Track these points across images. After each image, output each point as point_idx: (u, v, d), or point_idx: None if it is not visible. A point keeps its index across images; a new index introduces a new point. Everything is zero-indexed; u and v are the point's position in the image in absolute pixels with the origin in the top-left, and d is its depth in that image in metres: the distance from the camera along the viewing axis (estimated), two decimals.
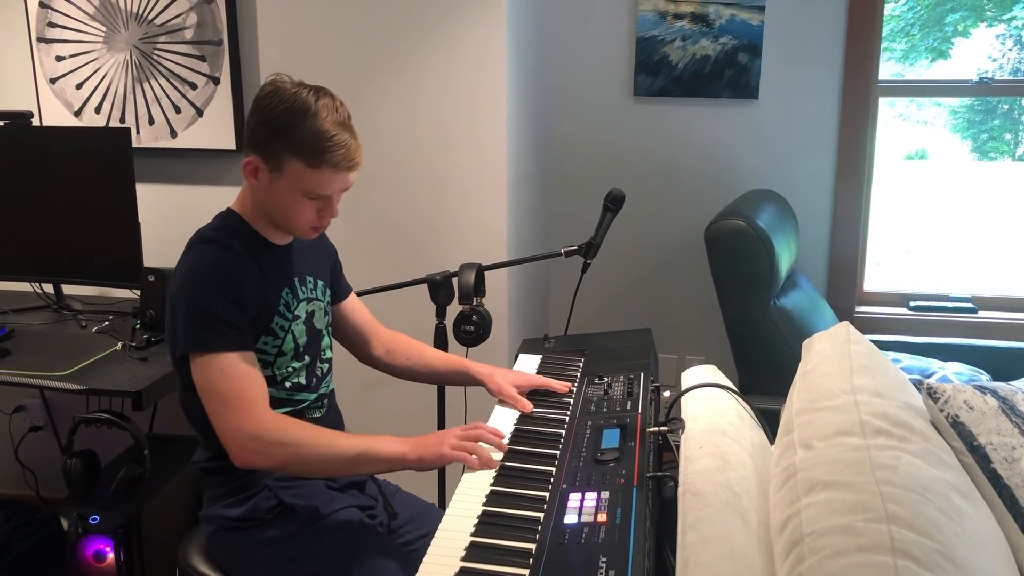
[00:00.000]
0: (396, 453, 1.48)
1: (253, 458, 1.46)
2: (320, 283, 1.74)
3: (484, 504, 1.33)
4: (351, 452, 1.47)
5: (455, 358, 1.91)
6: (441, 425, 2.20)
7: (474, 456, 1.48)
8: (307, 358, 1.67)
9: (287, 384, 1.64)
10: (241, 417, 1.46)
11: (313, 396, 1.69)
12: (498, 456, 1.49)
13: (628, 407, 1.58)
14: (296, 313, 1.64)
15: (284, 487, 1.61)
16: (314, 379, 1.70)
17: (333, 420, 1.77)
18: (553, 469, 1.42)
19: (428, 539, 1.26)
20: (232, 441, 1.46)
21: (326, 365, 1.75)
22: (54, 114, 2.72)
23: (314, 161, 1.50)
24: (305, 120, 1.49)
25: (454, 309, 2.06)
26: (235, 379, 1.48)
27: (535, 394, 1.75)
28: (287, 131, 1.49)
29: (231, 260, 1.54)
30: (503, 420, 1.66)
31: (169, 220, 2.69)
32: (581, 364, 1.90)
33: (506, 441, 1.55)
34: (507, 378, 1.78)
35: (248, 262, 1.56)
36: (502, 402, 1.75)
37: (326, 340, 1.76)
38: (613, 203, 2.09)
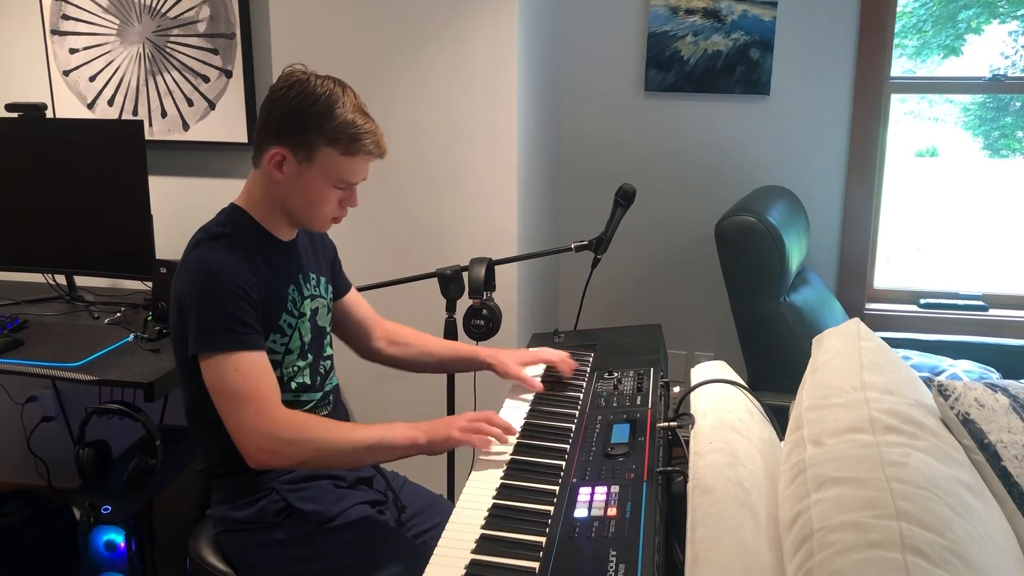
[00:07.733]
0: (409, 439, 1.49)
1: (270, 458, 1.46)
2: (323, 280, 1.74)
3: (494, 497, 1.34)
4: (366, 443, 1.48)
5: (460, 344, 1.93)
6: (451, 415, 2.20)
7: (480, 436, 1.50)
8: (311, 356, 1.67)
9: (292, 385, 1.63)
10: (257, 417, 1.44)
11: (319, 395, 1.69)
12: (503, 447, 1.50)
13: (638, 402, 1.59)
14: (302, 310, 1.64)
15: (291, 490, 1.60)
16: (318, 378, 1.69)
17: (340, 416, 1.76)
18: (563, 463, 1.42)
19: (437, 531, 1.27)
20: (248, 442, 1.45)
21: (328, 362, 1.75)
22: (67, 106, 2.74)
23: (349, 148, 1.53)
24: (338, 109, 1.51)
25: (464, 303, 2.06)
26: (250, 378, 1.46)
27: (545, 387, 1.76)
28: (321, 120, 1.51)
29: (241, 257, 1.52)
30: (513, 414, 1.66)
31: (181, 213, 2.70)
32: (591, 359, 1.90)
33: (516, 435, 1.55)
34: (513, 357, 1.82)
35: (257, 258, 1.55)
36: (512, 395, 1.76)
37: (328, 338, 1.76)
38: (624, 198, 2.09)
